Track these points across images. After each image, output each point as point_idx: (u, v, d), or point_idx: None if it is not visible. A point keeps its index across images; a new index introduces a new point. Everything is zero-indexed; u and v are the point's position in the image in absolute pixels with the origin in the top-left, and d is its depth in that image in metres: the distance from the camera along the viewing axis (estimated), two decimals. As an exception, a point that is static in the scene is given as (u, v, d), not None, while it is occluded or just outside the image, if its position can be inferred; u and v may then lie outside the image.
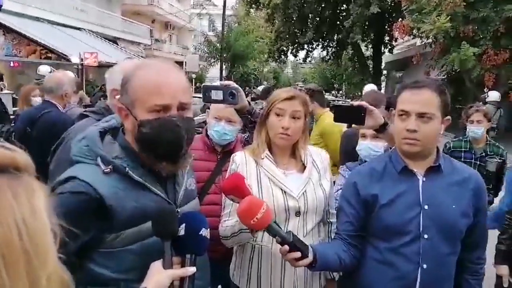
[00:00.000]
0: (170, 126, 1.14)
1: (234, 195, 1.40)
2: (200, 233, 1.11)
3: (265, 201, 1.38)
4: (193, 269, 1.08)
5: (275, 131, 1.65)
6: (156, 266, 1.05)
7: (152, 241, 1.11)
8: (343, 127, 4.31)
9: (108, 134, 1.25)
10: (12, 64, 13.57)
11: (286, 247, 1.35)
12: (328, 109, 4.31)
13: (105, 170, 1.12)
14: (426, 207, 1.47)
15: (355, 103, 1.69)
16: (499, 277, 2.46)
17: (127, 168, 1.14)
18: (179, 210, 1.25)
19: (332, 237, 1.76)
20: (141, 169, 1.18)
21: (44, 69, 6.43)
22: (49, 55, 13.14)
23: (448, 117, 1.49)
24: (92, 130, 1.23)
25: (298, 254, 1.36)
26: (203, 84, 1.65)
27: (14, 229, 0.50)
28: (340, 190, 1.82)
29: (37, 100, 4.28)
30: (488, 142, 3.40)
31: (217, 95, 1.59)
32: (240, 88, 1.78)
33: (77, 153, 1.18)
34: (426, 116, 1.42)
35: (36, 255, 0.52)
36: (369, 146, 2.16)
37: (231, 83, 1.75)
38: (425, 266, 1.45)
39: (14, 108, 5.85)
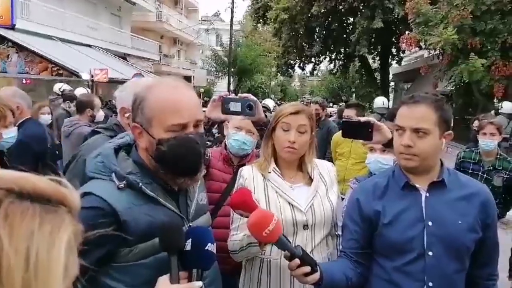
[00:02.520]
0: (189, 144, 1.17)
1: (241, 210, 1.41)
2: (206, 248, 1.12)
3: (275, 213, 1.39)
4: (199, 284, 1.09)
5: (282, 145, 1.67)
6: (163, 281, 1.06)
7: (165, 255, 1.12)
8: None
9: (122, 150, 1.27)
10: (24, 81, 13.87)
11: (297, 261, 1.34)
12: None
13: (119, 186, 1.15)
14: (429, 223, 1.44)
15: (363, 119, 1.71)
16: None
17: (140, 184, 1.16)
18: (191, 224, 1.26)
19: (340, 249, 1.76)
20: (154, 184, 1.20)
21: (56, 87, 6.61)
22: (61, 72, 13.38)
23: (449, 131, 1.48)
24: (107, 147, 1.27)
25: (307, 269, 1.35)
26: (222, 96, 1.69)
27: (22, 257, 0.48)
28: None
29: (45, 117, 4.36)
30: (498, 156, 3.36)
31: (235, 107, 1.63)
32: (257, 100, 1.81)
33: (92, 169, 1.21)
34: (421, 132, 1.42)
35: None
36: (378, 160, 2.16)
37: (250, 96, 1.78)
38: (430, 284, 1.41)
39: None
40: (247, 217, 1.41)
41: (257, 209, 1.37)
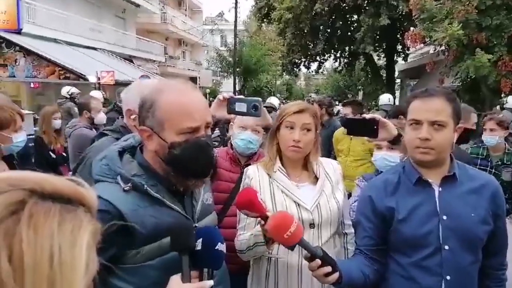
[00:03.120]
0: (201, 147, 1.19)
1: (247, 210, 1.42)
2: (216, 248, 1.14)
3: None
4: (210, 283, 1.10)
5: (287, 144, 1.67)
6: (175, 280, 1.08)
7: (171, 256, 1.14)
8: None
9: (127, 153, 1.29)
10: (32, 85, 14.00)
11: (318, 261, 1.34)
12: None
13: (125, 188, 1.16)
14: (444, 217, 1.45)
15: (368, 116, 1.70)
16: None
17: (145, 186, 1.18)
18: (196, 225, 1.28)
19: (348, 248, 1.76)
20: (159, 186, 1.21)
21: (64, 90, 6.68)
22: (68, 75, 13.49)
23: (460, 124, 1.49)
24: (112, 149, 1.28)
25: (329, 269, 1.35)
26: (229, 96, 1.69)
27: (46, 255, 0.49)
28: (357, 202, 1.82)
29: (57, 122, 4.41)
30: (506, 151, 3.34)
31: (240, 107, 1.63)
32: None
33: (98, 173, 1.22)
34: (438, 124, 1.42)
35: None
36: (384, 157, 2.16)
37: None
38: (448, 277, 1.43)
39: (35, 128, 6.01)
40: (252, 217, 1.42)
41: (277, 212, 1.38)
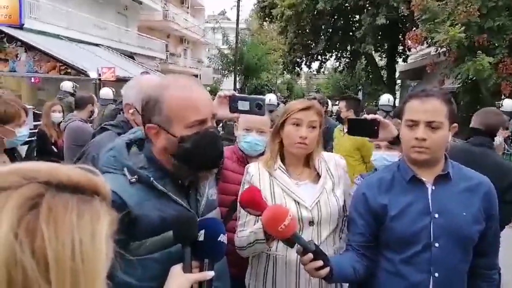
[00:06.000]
0: (212, 138, 1.22)
1: (250, 208, 1.42)
2: (218, 239, 1.15)
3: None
4: (211, 273, 1.12)
5: (293, 141, 1.67)
6: (176, 270, 1.09)
7: (174, 249, 1.15)
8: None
9: (134, 145, 1.30)
10: (33, 80, 14.01)
11: (310, 255, 1.36)
12: None
13: (131, 180, 1.17)
14: (436, 215, 1.47)
15: (369, 116, 1.72)
16: None
17: (151, 178, 1.19)
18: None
19: (347, 242, 1.77)
20: (165, 179, 1.23)
21: (67, 85, 6.69)
22: (69, 70, 13.49)
23: (455, 124, 1.51)
24: (119, 141, 1.29)
25: (320, 263, 1.37)
26: (232, 93, 1.67)
27: (68, 248, 0.50)
28: (351, 199, 1.83)
29: (57, 116, 4.44)
30: (505, 151, 3.36)
31: (243, 105, 1.60)
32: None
33: (105, 164, 1.23)
34: (434, 125, 1.44)
35: (84, 280, 0.50)
36: (383, 157, 2.16)
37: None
38: (436, 274, 1.45)
39: (35, 123, 6.03)
40: (255, 215, 1.44)
41: (272, 205, 1.40)
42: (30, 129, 4.66)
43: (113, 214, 0.58)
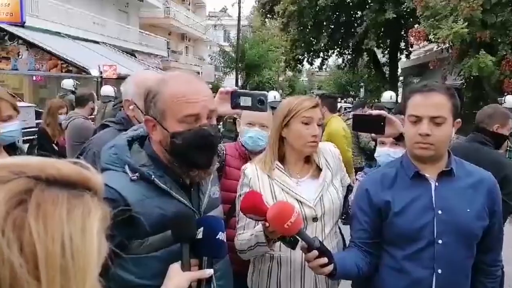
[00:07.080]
0: (203, 136, 1.18)
1: (252, 214, 1.40)
2: (217, 237, 1.14)
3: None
4: (210, 271, 1.11)
5: (305, 140, 1.63)
6: (175, 268, 1.08)
7: (176, 248, 1.14)
8: (347, 132, 4.43)
9: (136, 142, 1.29)
10: (35, 78, 14.02)
11: (315, 252, 1.34)
12: (336, 114, 4.61)
13: (132, 178, 1.16)
14: (439, 212, 1.45)
15: (375, 112, 1.70)
16: None
17: (153, 176, 1.18)
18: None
19: (350, 239, 1.76)
20: (167, 177, 1.21)
21: (67, 83, 6.70)
22: (70, 68, 13.50)
23: (459, 119, 1.49)
24: (121, 138, 1.28)
25: (325, 260, 1.35)
26: (234, 89, 1.64)
27: (58, 244, 0.48)
28: (354, 195, 1.82)
29: (63, 118, 4.44)
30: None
31: (245, 101, 1.57)
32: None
33: (106, 161, 1.22)
34: (438, 120, 1.42)
35: (74, 277, 0.49)
36: (388, 153, 2.13)
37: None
38: (440, 271, 1.44)
39: (37, 121, 6.03)
40: (258, 220, 1.41)
41: (278, 201, 1.37)
42: (33, 127, 4.65)
43: (105, 209, 0.55)
